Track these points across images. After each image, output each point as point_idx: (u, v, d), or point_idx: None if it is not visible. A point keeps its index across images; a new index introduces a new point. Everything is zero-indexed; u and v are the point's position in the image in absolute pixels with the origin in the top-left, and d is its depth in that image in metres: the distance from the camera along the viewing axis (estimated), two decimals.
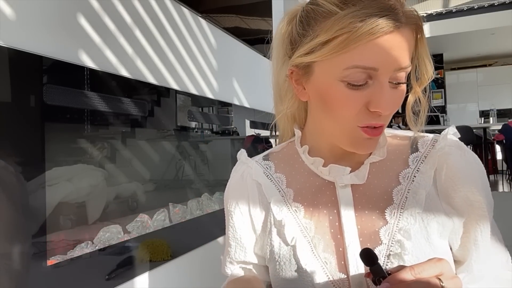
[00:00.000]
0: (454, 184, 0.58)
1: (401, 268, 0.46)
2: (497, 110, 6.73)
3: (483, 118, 7.17)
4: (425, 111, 0.61)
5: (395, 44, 0.51)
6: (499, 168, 5.90)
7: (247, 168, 0.69)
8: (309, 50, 0.54)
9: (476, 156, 0.61)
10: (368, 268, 0.48)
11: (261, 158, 0.71)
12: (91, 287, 0.98)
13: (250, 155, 0.72)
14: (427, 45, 0.56)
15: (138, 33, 1.19)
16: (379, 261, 0.48)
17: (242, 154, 0.72)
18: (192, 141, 1.60)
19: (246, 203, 0.67)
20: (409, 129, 0.66)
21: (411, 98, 0.59)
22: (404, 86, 0.55)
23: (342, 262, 0.58)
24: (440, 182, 0.59)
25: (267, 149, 0.74)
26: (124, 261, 1.09)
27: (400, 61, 0.51)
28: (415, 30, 0.53)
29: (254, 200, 0.66)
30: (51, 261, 0.86)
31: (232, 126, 1.87)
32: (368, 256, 0.48)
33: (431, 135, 0.64)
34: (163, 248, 1.26)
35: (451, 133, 0.61)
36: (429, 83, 0.59)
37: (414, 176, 0.59)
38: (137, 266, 1.14)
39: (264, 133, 2.17)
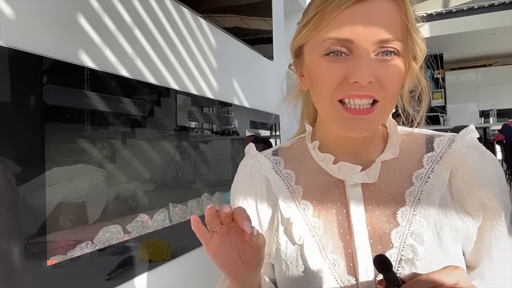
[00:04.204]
0: (470, 188, 0.55)
1: (415, 275, 0.44)
2: (497, 110, 6.74)
3: (483, 118, 7.18)
4: (427, 94, 0.59)
5: (368, 14, 0.50)
6: None
7: (256, 163, 0.67)
8: (296, 34, 0.58)
9: (495, 158, 0.58)
10: (380, 274, 0.46)
11: (270, 153, 0.69)
12: (91, 287, 0.98)
13: None
14: (413, 18, 0.54)
15: (138, 33, 1.19)
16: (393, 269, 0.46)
17: (250, 148, 0.70)
18: (192, 141, 1.60)
19: (253, 198, 0.65)
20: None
21: (408, 76, 0.57)
22: (397, 60, 0.53)
23: (351, 264, 0.55)
24: (455, 185, 0.56)
25: (267, 149, 0.73)
26: (124, 261, 1.09)
27: (377, 32, 0.50)
28: (398, 2, 0.52)
29: (262, 195, 0.64)
30: (51, 261, 0.86)
31: (232, 126, 1.87)
32: (382, 263, 0.46)
33: (448, 134, 0.61)
34: (163, 248, 1.26)
35: (469, 133, 0.58)
36: (424, 61, 0.57)
37: (428, 177, 0.57)
38: (137, 266, 1.14)
39: (264, 133, 2.17)
